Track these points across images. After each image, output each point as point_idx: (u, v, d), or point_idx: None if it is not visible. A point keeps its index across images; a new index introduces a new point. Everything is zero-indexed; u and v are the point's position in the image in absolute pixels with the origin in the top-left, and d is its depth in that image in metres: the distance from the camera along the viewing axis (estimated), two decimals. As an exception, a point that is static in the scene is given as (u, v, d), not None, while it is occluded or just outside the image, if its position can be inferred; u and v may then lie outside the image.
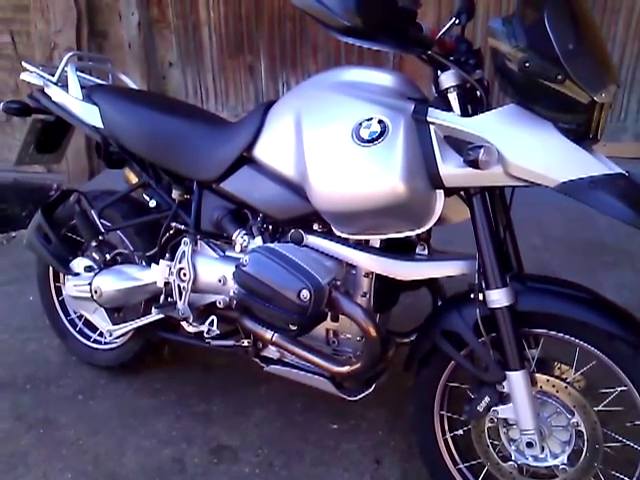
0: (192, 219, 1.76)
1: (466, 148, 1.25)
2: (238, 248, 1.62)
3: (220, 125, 1.78)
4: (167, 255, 1.80)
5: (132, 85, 2.16)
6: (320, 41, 4.02)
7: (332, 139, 1.40)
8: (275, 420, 1.98)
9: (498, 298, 1.38)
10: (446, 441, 1.60)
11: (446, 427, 1.61)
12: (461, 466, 1.60)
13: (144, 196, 1.85)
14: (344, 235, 1.51)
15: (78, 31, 3.95)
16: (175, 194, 1.80)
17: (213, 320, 1.73)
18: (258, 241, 1.60)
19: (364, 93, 1.44)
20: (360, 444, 1.88)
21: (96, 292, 1.92)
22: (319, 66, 4.11)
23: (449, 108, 1.36)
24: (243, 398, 2.07)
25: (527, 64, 1.20)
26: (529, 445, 1.43)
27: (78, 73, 1.94)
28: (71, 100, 1.89)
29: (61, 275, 2.21)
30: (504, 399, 1.44)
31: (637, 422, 1.39)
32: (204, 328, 1.74)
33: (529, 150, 1.25)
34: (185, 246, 1.75)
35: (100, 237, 1.94)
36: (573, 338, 1.41)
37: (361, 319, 1.48)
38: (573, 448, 1.44)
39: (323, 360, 1.58)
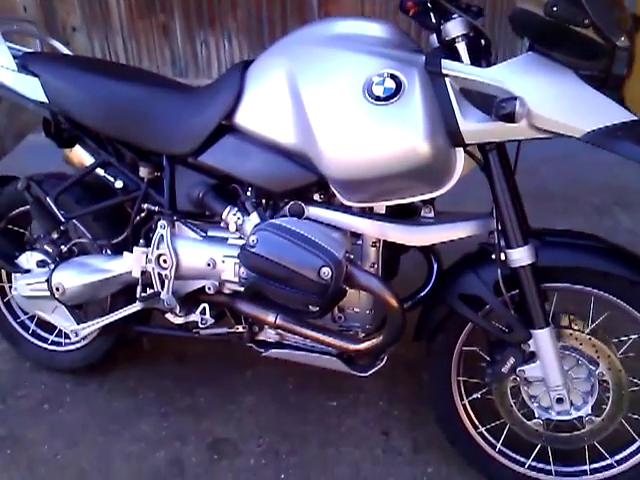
0: (166, 199, 1.58)
1: (497, 100, 1.16)
2: (233, 227, 1.46)
3: (187, 91, 1.59)
4: (142, 241, 1.61)
5: (66, 51, 1.89)
6: (240, -3, 3.80)
7: (341, 100, 1.27)
8: (269, 405, 1.87)
9: (520, 257, 1.33)
10: (464, 406, 1.56)
11: (463, 392, 1.57)
12: (481, 429, 1.56)
13: (106, 176, 1.63)
14: (351, 203, 1.40)
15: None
16: (143, 172, 1.60)
17: (205, 308, 1.58)
18: (254, 218, 1.45)
19: (365, 46, 1.32)
20: (363, 418, 1.81)
21: (57, 289, 1.69)
22: (239, 23, 3.89)
23: (457, 59, 1.27)
24: (229, 386, 1.94)
25: (555, 8, 1.12)
26: (559, 401, 1.41)
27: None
28: (4, 72, 1.62)
29: (4, 274, 1.96)
30: (529, 358, 1.41)
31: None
32: (195, 318, 1.58)
33: (554, 100, 1.19)
34: (162, 229, 1.57)
35: (61, 227, 1.70)
36: (593, 289, 1.39)
37: (380, 290, 1.38)
38: (596, 398, 1.45)
39: (337, 339, 1.48)
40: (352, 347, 1.47)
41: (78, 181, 1.67)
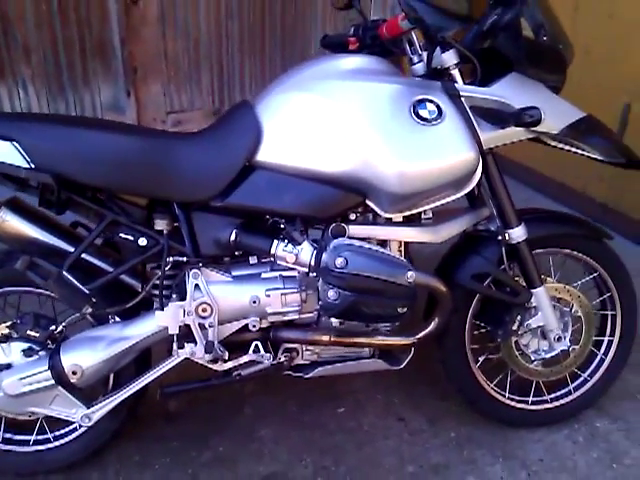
0: (189, 247, 1.54)
1: (520, 111, 1.47)
2: (291, 259, 1.51)
3: (189, 137, 1.57)
4: (173, 296, 1.55)
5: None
6: (32, 41, 3.48)
7: (394, 125, 1.46)
8: (287, 431, 1.90)
9: (520, 234, 1.67)
10: (477, 370, 1.85)
11: (473, 359, 1.85)
12: (492, 385, 1.87)
13: (122, 236, 1.51)
14: (390, 215, 1.57)
15: None
16: (160, 224, 1.53)
17: (257, 346, 1.59)
18: (306, 246, 1.52)
19: (387, 77, 1.54)
20: (374, 413, 1.99)
21: (74, 372, 1.51)
22: (35, 69, 3.56)
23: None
24: (237, 428, 1.91)
25: (545, 37, 1.51)
26: (559, 339, 1.79)
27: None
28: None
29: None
30: (530, 313, 1.77)
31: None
32: (251, 358, 1.58)
33: (539, 107, 1.56)
34: (196, 278, 1.54)
35: (93, 300, 1.50)
36: (560, 249, 1.81)
37: (431, 281, 1.60)
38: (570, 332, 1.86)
39: (393, 337, 1.64)
40: (408, 341, 1.64)
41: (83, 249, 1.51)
